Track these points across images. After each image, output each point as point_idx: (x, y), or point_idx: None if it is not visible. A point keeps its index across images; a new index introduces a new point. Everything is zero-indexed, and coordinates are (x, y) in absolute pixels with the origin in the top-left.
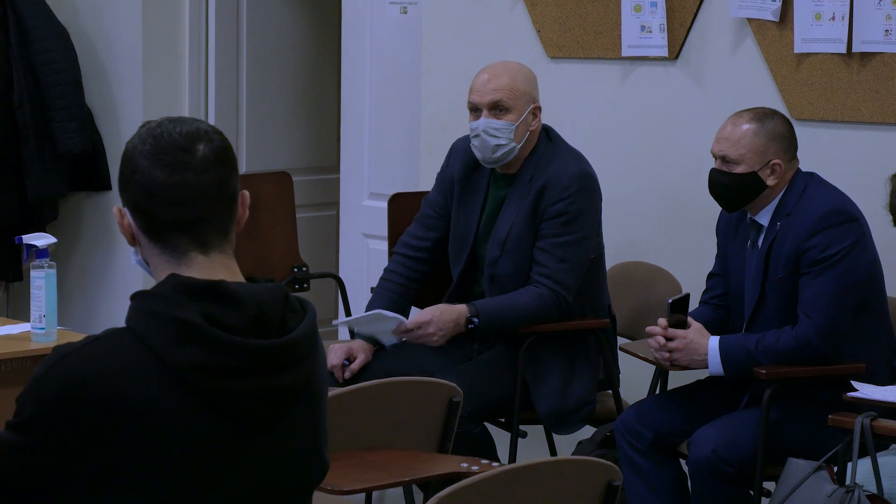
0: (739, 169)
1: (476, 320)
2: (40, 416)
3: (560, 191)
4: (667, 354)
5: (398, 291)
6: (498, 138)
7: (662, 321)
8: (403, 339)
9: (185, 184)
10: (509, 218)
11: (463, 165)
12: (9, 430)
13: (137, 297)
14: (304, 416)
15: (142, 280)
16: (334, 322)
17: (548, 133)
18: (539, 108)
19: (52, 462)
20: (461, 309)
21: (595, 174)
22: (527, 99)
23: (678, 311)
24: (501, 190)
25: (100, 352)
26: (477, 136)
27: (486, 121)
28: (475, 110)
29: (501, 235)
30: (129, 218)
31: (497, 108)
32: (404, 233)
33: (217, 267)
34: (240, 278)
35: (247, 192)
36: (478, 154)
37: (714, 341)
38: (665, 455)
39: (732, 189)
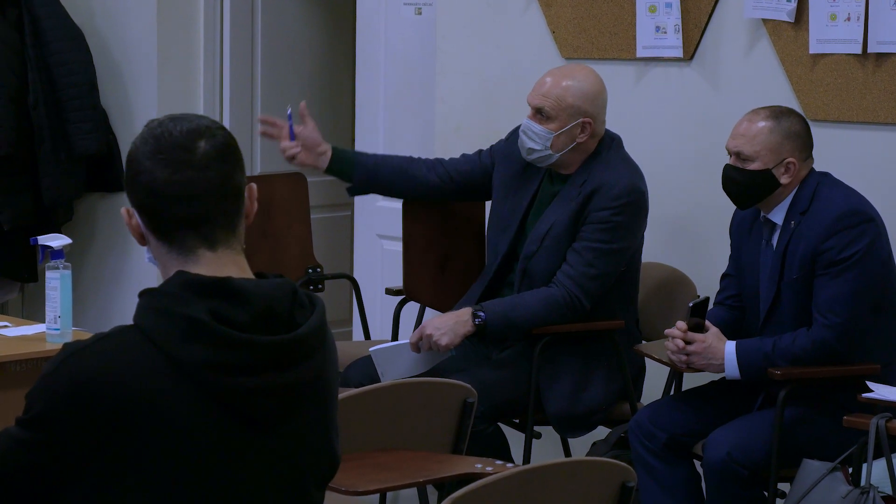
0: (753, 166)
1: (482, 314)
2: (49, 413)
3: (609, 199)
4: (684, 358)
5: (418, 173)
6: (533, 142)
7: (682, 324)
8: (422, 351)
9: (186, 182)
10: (554, 215)
11: None
12: (18, 426)
13: (145, 295)
14: (315, 411)
15: (156, 280)
16: (370, 349)
17: (612, 141)
18: (589, 124)
19: (61, 459)
20: (463, 309)
21: (647, 191)
22: (573, 112)
23: (697, 315)
24: (555, 186)
25: (108, 349)
26: (521, 132)
27: (528, 122)
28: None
29: (542, 231)
30: (136, 218)
31: (540, 114)
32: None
33: (225, 263)
34: (248, 274)
35: (254, 185)
36: (519, 148)
37: (731, 346)
38: (679, 456)
39: (745, 186)
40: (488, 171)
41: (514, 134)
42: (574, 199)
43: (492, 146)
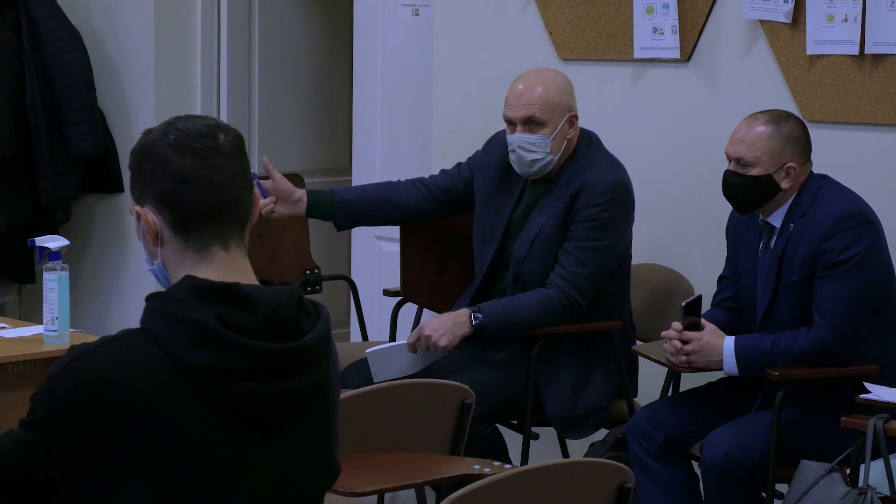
0: (754, 171)
1: (480, 316)
2: (54, 415)
3: (595, 196)
4: (684, 358)
5: (399, 188)
6: (534, 153)
7: (677, 325)
8: (418, 351)
9: (216, 168)
10: (541, 218)
11: (502, 159)
12: (22, 428)
13: (152, 299)
14: (317, 420)
15: (153, 283)
16: (367, 351)
17: (590, 138)
18: (575, 117)
19: (65, 461)
20: (461, 310)
21: (631, 185)
22: (561, 110)
23: (691, 314)
24: (538, 189)
25: (114, 352)
26: (513, 150)
27: (520, 136)
28: (510, 123)
29: (531, 235)
30: (152, 216)
31: (531, 123)
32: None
33: (236, 266)
34: (254, 280)
35: (257, 190)
36: (516, 168)
37: (729, 342)
38: (676, 457)
39: (746, 191)
40: (469, 183)
41: (492, 143)
42: (560, 199)
43: (469, 158)
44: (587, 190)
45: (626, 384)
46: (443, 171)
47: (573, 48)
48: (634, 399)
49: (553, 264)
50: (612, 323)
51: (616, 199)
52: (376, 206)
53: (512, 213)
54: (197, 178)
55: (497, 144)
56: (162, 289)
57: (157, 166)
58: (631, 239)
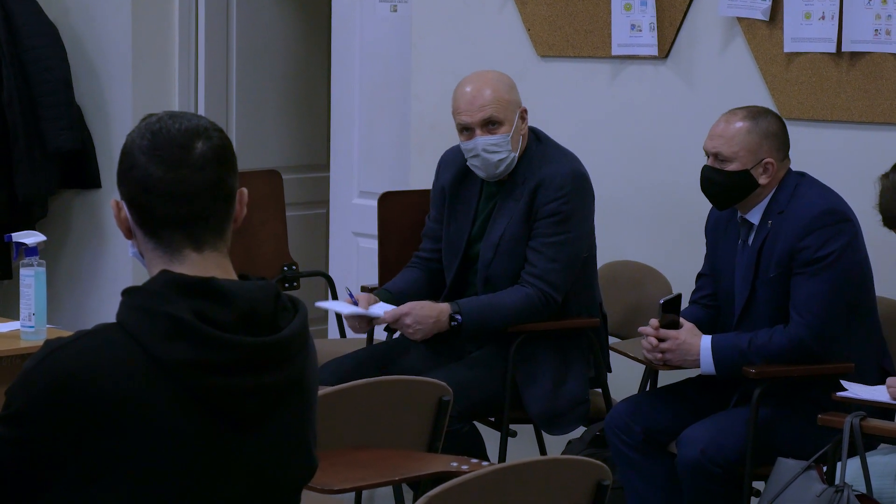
0: (732, 166)
1: (459, 317)
2: (29, 410)
3: (554, 190)
4: (659, 355)
5: (425, 274)
6: (498, 153)
7: (654, 322)
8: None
9: (181, 181)
10: (503, 220)
11: (453, 175)
12: None
13: (128, 293)
14: (294, 415)
15: (131, 279)
16: (317, 304)
17: (536, 135)
18: (525, 111)
19: (41, 456)
20: (443, 307)
21: (587, 174)
22: (514, 106)
23: (670, 311)
24: (493, 193)
25: (90, 347)
26: (476, 155)
27: (482, 139)
28: (466, 130)
29: (495, 237)
30: (125, 211)
31: (490, 124)
32: (418, 249)
33: (210, 265)
34: (232, 276)
35: (245, 190)
36: (480, 173)
37: (706, 341)
38: (657, 450)
39: (724, 187)
40: None
41: (439, 169)
42: (519, 199)
43: (431, 201)
44: (545, 185)
45: (602, 372)
46: (424, 236)
47: (551, 45)
48: (612, 397)
49: (520, 263)
50: (591, 320)
51: (575, 189)
52: (422, 289)
53: (473, 223)
54: (159, 189)
55: (444, 164)
56: (142, 279)
57: (129, 168)
58: (593, 227)
